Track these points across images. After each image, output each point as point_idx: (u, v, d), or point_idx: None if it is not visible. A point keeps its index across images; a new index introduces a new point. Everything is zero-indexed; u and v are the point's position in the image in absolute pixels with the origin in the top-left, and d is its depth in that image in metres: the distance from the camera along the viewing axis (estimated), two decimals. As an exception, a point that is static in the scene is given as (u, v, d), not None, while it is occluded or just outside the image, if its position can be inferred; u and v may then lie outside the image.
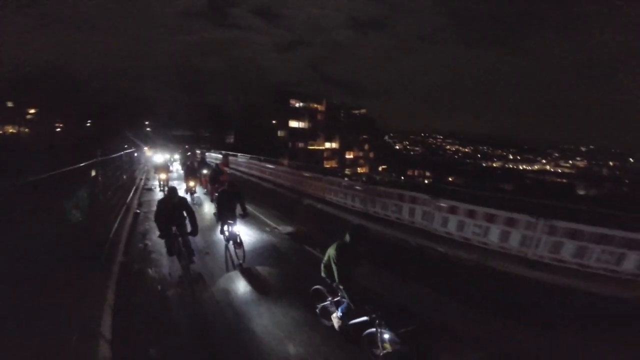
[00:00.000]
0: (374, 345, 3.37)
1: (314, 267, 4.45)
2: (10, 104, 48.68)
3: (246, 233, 7.25)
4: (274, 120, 49.18)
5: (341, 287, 3.46)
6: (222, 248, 6.44)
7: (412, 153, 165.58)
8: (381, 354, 3.28)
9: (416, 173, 74.08)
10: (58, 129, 49.67)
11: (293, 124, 50.71)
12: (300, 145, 51.14)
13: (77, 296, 3.90)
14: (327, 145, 55.53)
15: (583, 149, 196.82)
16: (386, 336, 3.28)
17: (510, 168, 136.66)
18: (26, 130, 48.57)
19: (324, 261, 3.73)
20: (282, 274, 5.48)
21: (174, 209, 5.17)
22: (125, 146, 16.87)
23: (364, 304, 3.45)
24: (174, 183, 13.15)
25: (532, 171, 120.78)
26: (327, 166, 46.90)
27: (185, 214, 5.27)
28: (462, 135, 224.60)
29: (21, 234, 3.80)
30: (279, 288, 4.94)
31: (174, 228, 5.22)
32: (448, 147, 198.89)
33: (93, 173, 6.68)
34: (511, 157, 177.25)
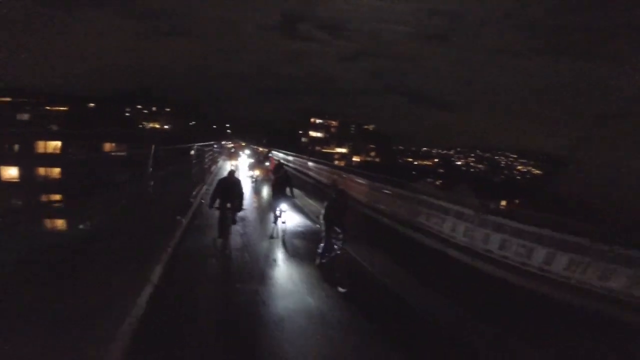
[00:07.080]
0: (335, 260, 4.50)
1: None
2: (154, 109, 70.19)
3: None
4: (300, 131, 76.74)
5: (322, 222, 5.16)
6: (270, 221, 7.90)
7: (471, 170, 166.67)
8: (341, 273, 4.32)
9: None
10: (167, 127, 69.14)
11: (312, 133, 76.81)
12: (317, 148, 76.17)
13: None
14: (338, 150, 78.94)
15: None
16: (339, 251, 4.54)
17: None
18: (166, 127, 68.84)
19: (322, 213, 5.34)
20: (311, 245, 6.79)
21: (230, 187, 6.17)
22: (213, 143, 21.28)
23: (337, 232, 4.93)
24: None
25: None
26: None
27: (237, 192, 6.29)
28: (540, 156, 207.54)
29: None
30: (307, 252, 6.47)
31: (228, 204, 6.13)
32: (519, 167, 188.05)
33: (192, 152, 10.67)
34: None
